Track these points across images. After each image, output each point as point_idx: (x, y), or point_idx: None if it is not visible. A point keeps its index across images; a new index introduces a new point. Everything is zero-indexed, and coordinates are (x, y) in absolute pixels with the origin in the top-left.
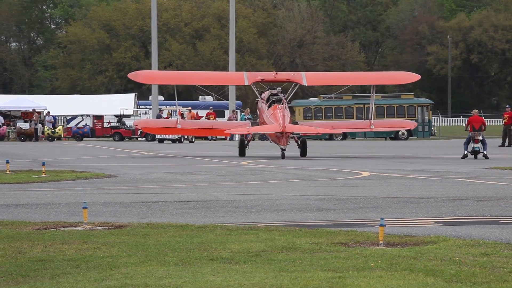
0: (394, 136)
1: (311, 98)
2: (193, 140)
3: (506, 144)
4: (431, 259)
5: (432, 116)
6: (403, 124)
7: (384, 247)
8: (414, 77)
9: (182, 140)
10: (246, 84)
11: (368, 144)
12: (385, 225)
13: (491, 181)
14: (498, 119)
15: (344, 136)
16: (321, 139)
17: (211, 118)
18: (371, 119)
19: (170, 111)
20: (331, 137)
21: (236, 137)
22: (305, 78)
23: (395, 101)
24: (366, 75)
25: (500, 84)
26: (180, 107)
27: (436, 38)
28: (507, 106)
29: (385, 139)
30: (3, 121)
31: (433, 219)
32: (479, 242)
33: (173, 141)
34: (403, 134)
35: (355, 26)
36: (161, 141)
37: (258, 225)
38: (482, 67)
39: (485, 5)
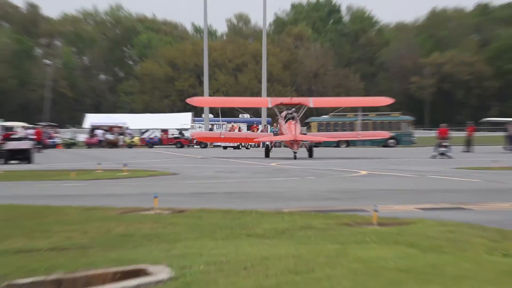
0: (385, 144)
1: (323, 116)
2: (249, 147)
3: (468, 150)
4: (411, 235)
5: (414, 129)
6: (382, 134)
7: (377, 227)
8: (389, 100)
9: (240, 147)
10: (270, 106)
11: (365, 150)
12: (378, 210)
13: (457, 178)
14: (462, 132)
15: (347, 144)
16: (329, 147)
17: (255, 131)
18: (358, 130)
19: (233, 125)
20: (338, 145)
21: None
22: (311, 101)
23: (386, 118)
24: (355, 100)
25: (464, 106)
26: (232, 123)
27: (417, 71)
28: (468, 122)
29: (378, 147)
30: (96, 132)
31: (414, 206)
32: (447, 222)
33: (234, 147)
34: (392, 142)
35: (357, 62)
36: (225, 147)
37: (284, 210)
38: (452, 92)
39: (454, 47)
